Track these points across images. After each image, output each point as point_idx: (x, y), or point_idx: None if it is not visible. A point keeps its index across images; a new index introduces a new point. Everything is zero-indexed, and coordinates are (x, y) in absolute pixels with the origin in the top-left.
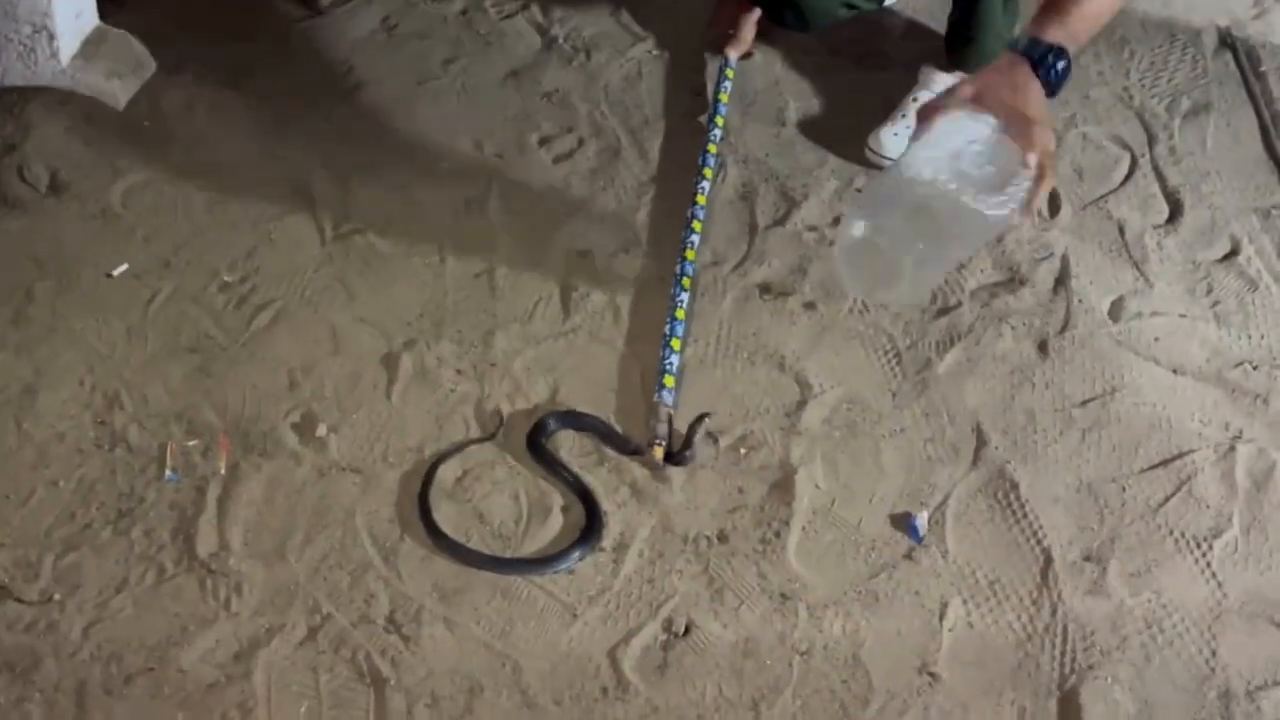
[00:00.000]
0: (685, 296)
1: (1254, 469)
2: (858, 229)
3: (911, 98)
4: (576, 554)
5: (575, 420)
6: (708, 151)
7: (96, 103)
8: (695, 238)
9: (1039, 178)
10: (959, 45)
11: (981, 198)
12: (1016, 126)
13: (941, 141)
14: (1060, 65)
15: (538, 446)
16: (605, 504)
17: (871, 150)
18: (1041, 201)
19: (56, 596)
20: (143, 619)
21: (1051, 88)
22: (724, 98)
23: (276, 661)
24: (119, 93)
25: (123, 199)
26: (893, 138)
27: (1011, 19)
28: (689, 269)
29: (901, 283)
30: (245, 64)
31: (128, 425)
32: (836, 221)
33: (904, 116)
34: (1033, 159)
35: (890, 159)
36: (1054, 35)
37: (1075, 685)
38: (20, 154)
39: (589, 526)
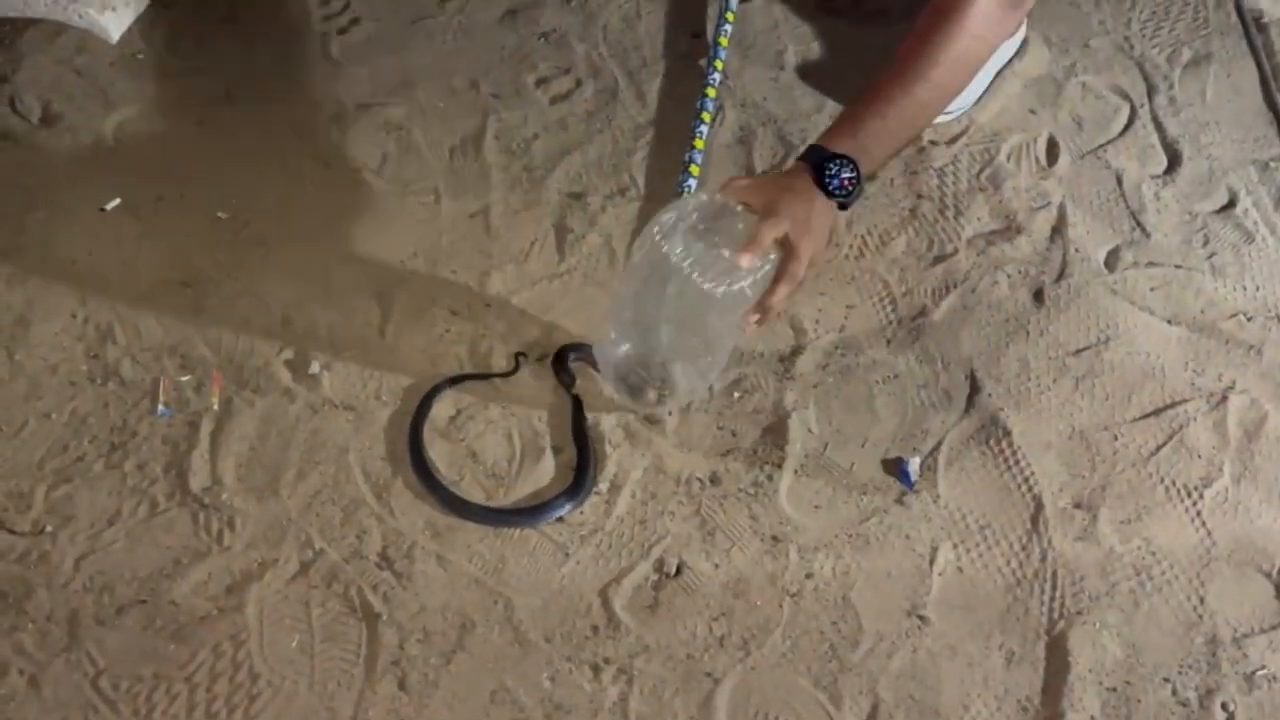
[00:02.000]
0: None
1: (1246, 420)
2: (619, 350)
3: None
4: (566, 507)
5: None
6: (706, 95)
7: (90, 35)
8: (693, 182)
9: (777, 278)
10: None
11: (710, 276)
12: (764, 222)
13: (699, 217)
14: (845, 175)
15: (564, 365)
16: (600, 449)
17: None
18: (780, 306)
19: (49, 528)
20: (135, 551)
21: (833, 196)
22: (724, 41)
23: (268, 595)
24: (112, 25)
25: (115, 132)
26: None
27: None
28: None
29: (678, 387)
30: None
31: (120, 359)
32: None
33: None
34: (745, 259)
35: None
36: (841, 146)
37: (1064, 630)
38: (12, 86)
39: (577, 481)
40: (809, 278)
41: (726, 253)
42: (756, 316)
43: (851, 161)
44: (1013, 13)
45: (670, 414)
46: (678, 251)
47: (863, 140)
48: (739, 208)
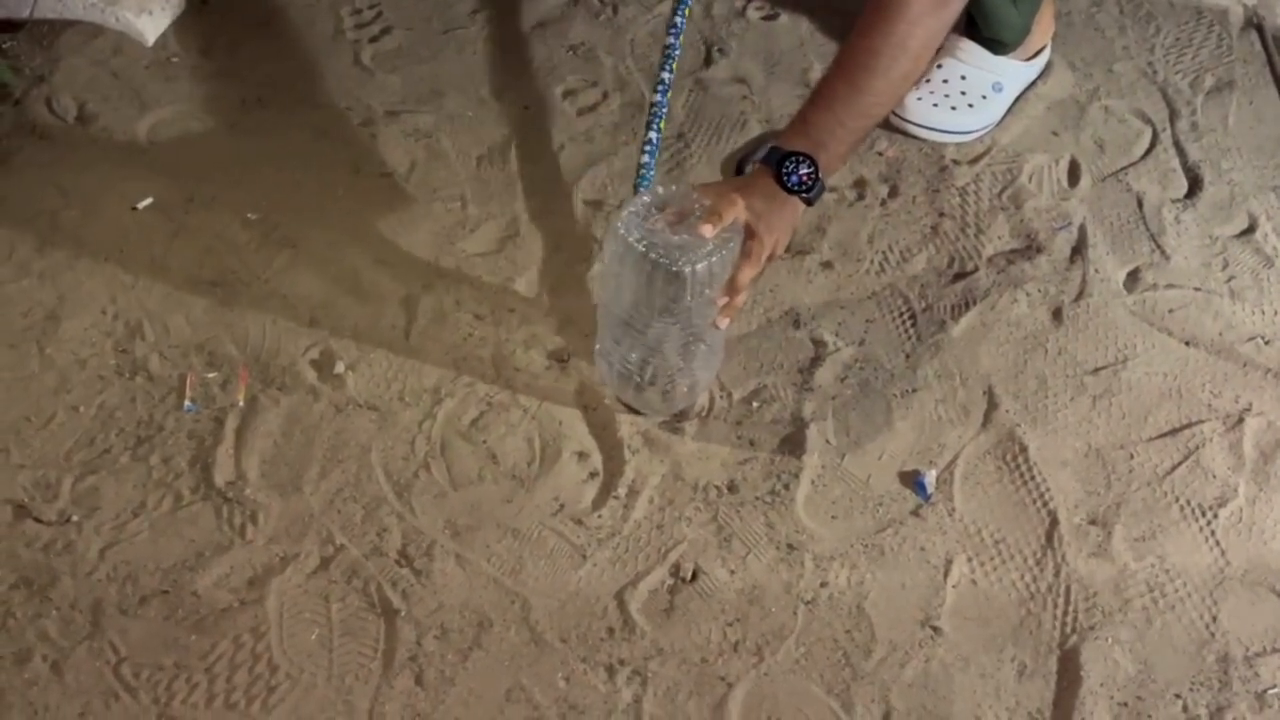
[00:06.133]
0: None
1: (1262, 441)
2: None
3: (937, 64)
4: None
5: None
6: (661, 88)
7: (125, 37)
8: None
9: (740, 260)
10: (972, 13)
11: (671, 256)
12: (722, 200)
13: (659, 205)
14: (804, 171)
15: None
16: (618, 455)
17: (896, 115)
18: (746, 287)
19: (74, 518)
20: (159, 543)
21: (793, 192)
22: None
23: (289, 589)
24: (148, 29)
25: (149, 133)
26: (916, 102)
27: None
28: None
29: (676, 385)
30: (274, 4)
31: (149, 355)
32: (857, 184)
33: (928, 81)
34: (706, 229)
35: (914, 123)
36: (796, 144)
37: (1076, 644)
38: (49, 85)
39: None
40: (769, 267)
41: (687, 235)
42: (725, 300)
43: (808, 157)
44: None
45: (678, 418)
46: (638, 236)
47: (816, 136)
48: (694, 193)
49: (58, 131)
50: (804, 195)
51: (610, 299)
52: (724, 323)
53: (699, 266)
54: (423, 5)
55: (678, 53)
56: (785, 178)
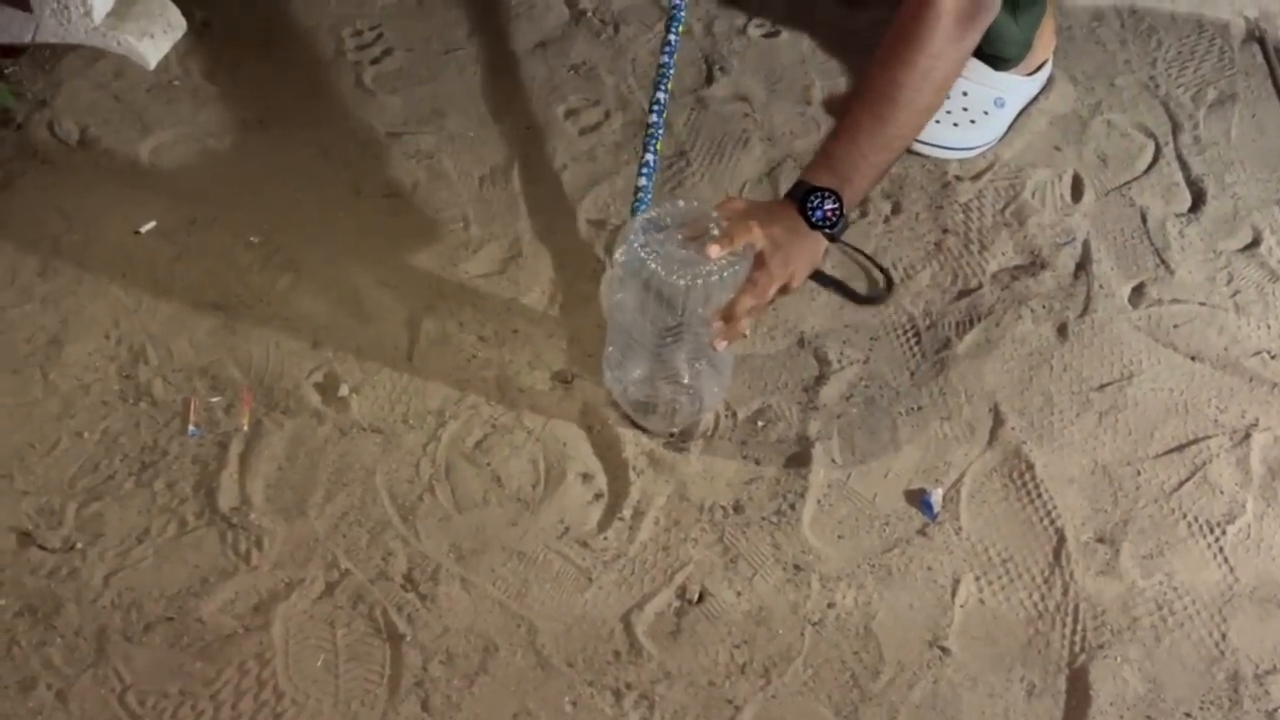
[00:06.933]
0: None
1: (1269, 456)
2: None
3: None
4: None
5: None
6: (657, 108)
7: (127, 61)
8: (647, 200)
9: (744, 286)
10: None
11: (676, 270)
12: (738, 224)
13: (674, 220)
14: (829, 206)
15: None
16: (624, 476)
17: None
18: (744, 315)
19: (79, 544)
20: (163, 569)
21: (817, 227)
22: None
23: (294, 615)
24: (150, 52)
25: (151, 156)
26: (934, 125)
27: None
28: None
29: (682, 403)
30: (274, 26)
31: (152, 379)
32: (860, 202)
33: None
34: (713, 249)
35: (923, 142)
36: (821, 180)
37: (1085, 663)
38: (51, 110)
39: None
40: (778, 299)
41: (694, 249)
42: (720, 323)
43: (834, 193)
44: (969, 30)
45: (683, 437)
46: (643, 242)
47: (841, 171)
48: (714, 214)
49: (60, 155)
50: (827, 230)
51: (615, 306)
52: (721, 345)
53: (696, 283)
54: (423, 26)
55: (672, 71)
56: (810, 213)
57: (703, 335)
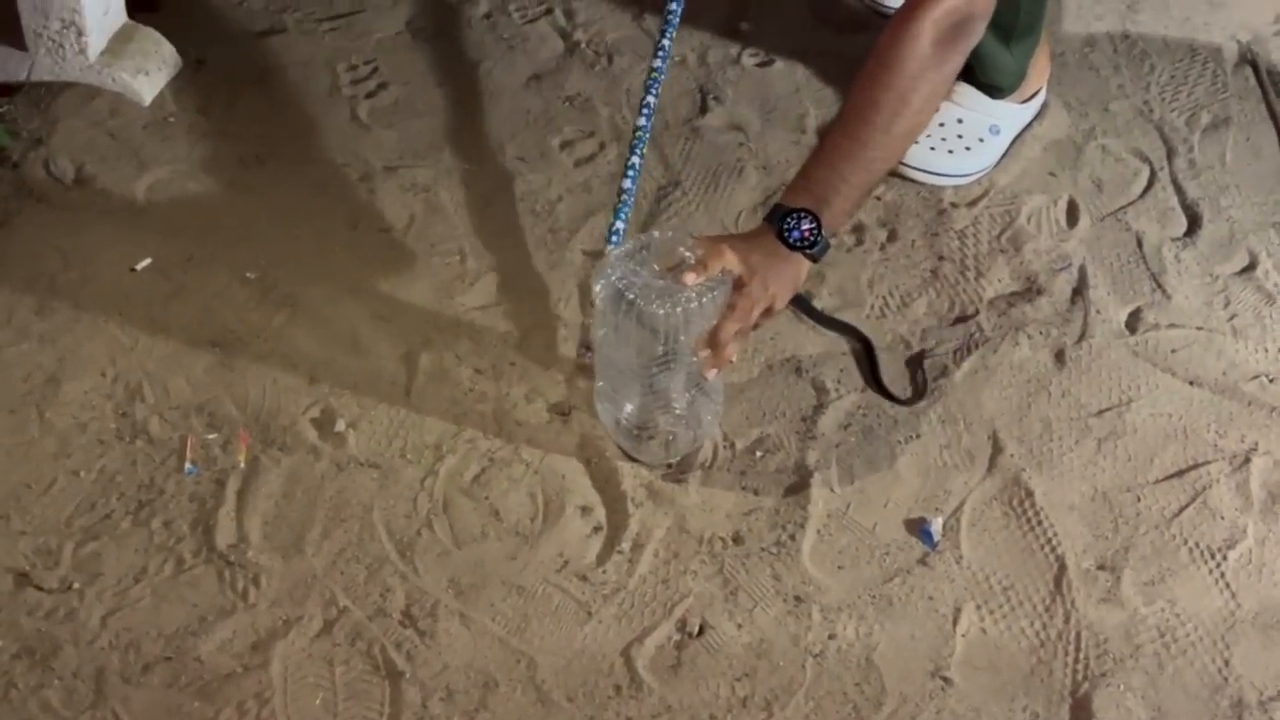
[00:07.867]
0: None
1: (1269, 481)
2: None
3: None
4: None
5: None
6: (638, 138)
7: (122, 98)
8: (621, 229)
9: (725, 312)
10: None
11: (654, 299)
12: (713, 250)
13: (650, 251)
14: (805, 226)
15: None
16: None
17: (903, 163)
18: (728, 341)
19: (76, 585)
20: (161, 609)
21: (795, 248)
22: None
23: (293, 653)
24: (145, 89)
25: (147, 193)
26: (914, 146)
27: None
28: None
29: (677, 434)
30: (269, 62)
31: (149, 417)
32: (855, 229)
33: (941, 125)
34: (689, 276)
35: (912, 166)
36: (798, 201)
37: (1088, 692)
38: (47, 148)
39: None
40: (764, 323)
41: (671, 279)
42: (705, 352)
43: (810, 214)
44: (948, 54)
45: (682, 468)
46: (619, 275)
47: (818, 193)
48: (689, 241)
49: (56, 193)
50: (807, 251)
51: (601, 341)
52: (711, 374)
53: (675, 311)
54: (418, 60)
55: (663, 77)
56: (786, 234)
57: (692, 363)
